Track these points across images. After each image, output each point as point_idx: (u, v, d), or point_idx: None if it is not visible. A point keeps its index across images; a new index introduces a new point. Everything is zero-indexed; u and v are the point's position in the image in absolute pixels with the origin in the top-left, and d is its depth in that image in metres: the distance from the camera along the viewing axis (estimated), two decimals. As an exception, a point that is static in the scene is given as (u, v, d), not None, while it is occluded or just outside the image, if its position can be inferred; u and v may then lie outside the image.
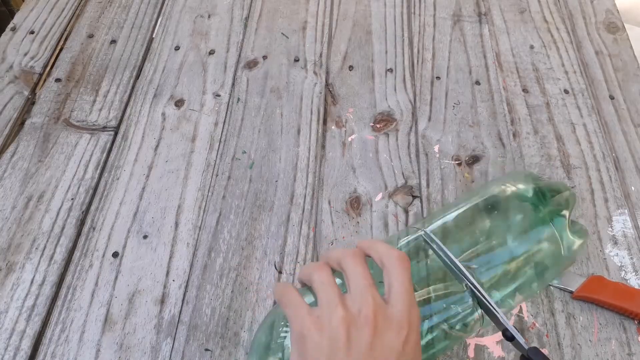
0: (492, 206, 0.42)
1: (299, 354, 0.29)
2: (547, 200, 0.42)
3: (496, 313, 0.34)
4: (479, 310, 0.36)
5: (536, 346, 0.34)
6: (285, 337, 0.34)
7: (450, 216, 0.42)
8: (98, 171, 0.51)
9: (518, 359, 0.41)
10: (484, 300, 0.35)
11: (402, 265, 0.31)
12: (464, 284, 0.36)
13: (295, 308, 0.31)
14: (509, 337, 0.34)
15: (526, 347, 0.33)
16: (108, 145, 0.53)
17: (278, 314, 0.36)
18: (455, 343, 0.40)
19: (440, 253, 0.37)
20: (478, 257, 0.39)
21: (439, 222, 0.41)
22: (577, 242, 0.42)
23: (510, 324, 0.34)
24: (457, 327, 0.37)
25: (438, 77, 0.61)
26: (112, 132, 0.55)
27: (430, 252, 0.38)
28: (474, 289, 0.35)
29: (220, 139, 0.54)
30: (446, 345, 0.38)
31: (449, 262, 0.37)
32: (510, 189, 0.43)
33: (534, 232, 0.41)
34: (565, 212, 0.42)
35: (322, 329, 0.29)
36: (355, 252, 0.33)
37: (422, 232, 0.39)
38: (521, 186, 0.44)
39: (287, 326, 0.34)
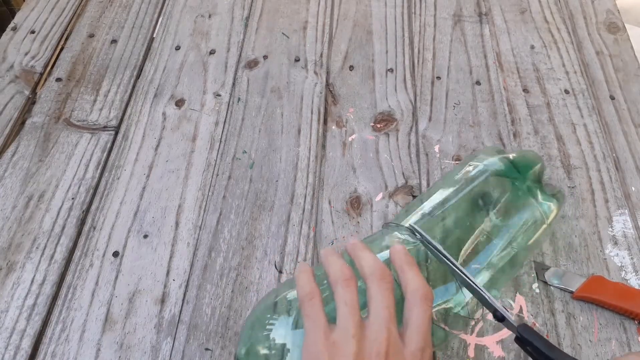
0: (472, 188, 0.42)
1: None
2: (522, 173, 0.42)
3: (482, 293, 0.34)
4: (469, 297, 0.36)
5: (525, 323, 0.34)
6: (271, 329, 0.34)
7: (431, 204, 0.41)
8: (98, 171, 0.51)
9: (518, 359, 0.41)
10: (472, 284, 0.35)
11: (426, 304, 0.31)
12: (451, 273, 0.36)
13: (314, 324, 0.30)
14: (499, 317, 0.34)
15: (516, 325, 0.33)
16: (108, 144, 0.54)
17: (267, 304, 0.36)
18: (449, 338, 0.40)
19: (425, 242, 0.37)
20: (465, 242, 0.39)
21: (421, 212, 0.41)
22: (554, 206, 0.42)
23: (498, 304, 0.34)
24: (450, 320, 0.37)
25: (438, 77, 0.61)
26: (113, 132, 0.55)
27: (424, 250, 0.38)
28: (462, 274, 0.35)
29: (221, 138, 0.54)
30: (440, 340, 0.38)
31: (435, 251, 0.37)
32: (484, 167, 0.43)
33: (516, 207, 0.41)
34: (539, 182, 0.43)
35: (333, 358, 0.29)
36: (384, 274, 0.32)
37: (408, 225, 0.39)
38: (495, 163, 0.43)
39: (274, 319, 0.34)
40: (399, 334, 0.31)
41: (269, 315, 0.35)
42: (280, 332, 0.33)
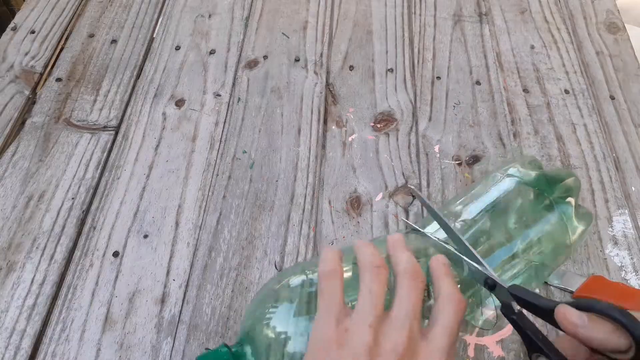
0: (501, 196, 0.42)
1: (312, 357, 0.27)
2: (552, 187, 0.42)
3: (475, 256, 0.34)
4: (466, 268, 0.36)
5: (515, 284, 0.34)
6: (271, 317, 0.33)
7: (462, 208, 0.42)
8: (98, 171, 0.51)
9: (518, 359, 0.41)
10: (465, 250, 0.35)
11: (457, 309, 0.29)
12: (445, 238, 0.36)
13: (328, 306, 0.28)
14: (490, 285, 0.34)
15: (506, 287, 0.33)
16: (108, 144, 0.54)
17: (269, 291, 0.35)
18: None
19: (425, 208, 0.37)
20: (487, 248, 0.39)
21: (454, 209, 0.41)
22: (581, 227, 0.42)
23: (490, 270, 0.34)
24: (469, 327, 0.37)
25: (438, 77, 0.61)
26: (113, 132, 0.55)
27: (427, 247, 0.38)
28: (454, 234, 0.35)
29: (221, 138, 0.54)
30: None
31: (435, 217, 0.37)
32: (515, 175, 0.43)
33: (541, 220, 0.41)
34: (571, 199, 0.42)
35: (343, 347, 0.26)
36: (418, 275, 0.30)
37: (411, 187, 0.39)
38: (527, 173, 0.43)
39: (274, 307, 0.33)
40: (423, 331, 0.29)
41: (269, 304, 0.34)
42: (281, 320, 0.32)
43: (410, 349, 0.27)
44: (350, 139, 0.55)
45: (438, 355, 0.27)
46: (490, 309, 0.38)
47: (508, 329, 0.42)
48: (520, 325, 0.33)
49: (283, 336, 0.32)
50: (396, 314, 0.28)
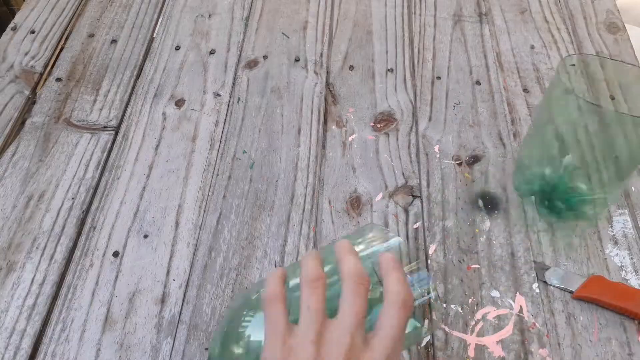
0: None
1: None
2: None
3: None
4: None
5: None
6: (246, 326, 0.33)
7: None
8: (98, 171, 0.51)
9: (518, 359, 0.41)
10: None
11: (402, 310, 0.30)
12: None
13: (274, 328, 0.30)
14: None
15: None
16: (108, 144, 0.54)
17: (245, 301, 0.35)
18: (423, 333, 0.38)
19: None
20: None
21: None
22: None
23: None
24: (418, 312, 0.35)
25: (438, 77, 0.61)
26: (113, 132, 0.55)
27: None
28: None
29: (221, 138, 0.54)
30: (416, 337, 0.36)
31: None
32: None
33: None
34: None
35: (289, 356, 0.28)
36: (361, 279, 0.31)
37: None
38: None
39: (249, 316, 0.34)
40: (367, 338, 0.30)
41: (244, 312, 0.34)
42: (257, 329, 0.33)
43: (352, 357, 0.28)
44: (350, 139, 0.55)
45: None
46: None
47: (508, 329, 0.42)
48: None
49: (257, 345, 0.32)
50: (339, 323, 0.29)
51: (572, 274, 0.45)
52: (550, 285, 0.45)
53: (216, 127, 0.55)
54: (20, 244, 0.46)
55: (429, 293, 0.34)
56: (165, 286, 0.44)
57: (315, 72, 0.61)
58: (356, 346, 0.29)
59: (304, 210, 0.49)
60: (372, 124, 0.56)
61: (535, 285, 0.45)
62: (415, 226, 0.48)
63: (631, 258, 0.47)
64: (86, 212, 0.48)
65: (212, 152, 0.53)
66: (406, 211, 0.49)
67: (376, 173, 0.52)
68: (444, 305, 0.43)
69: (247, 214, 0.49)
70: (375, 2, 0.69)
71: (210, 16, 0.67)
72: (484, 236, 0.48)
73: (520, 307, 0.44)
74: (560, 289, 0.45)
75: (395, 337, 0.29)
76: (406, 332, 0.33)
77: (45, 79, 0.59)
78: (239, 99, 0.58)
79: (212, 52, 0.63)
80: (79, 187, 0.50)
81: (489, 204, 0.50)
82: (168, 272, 0.45)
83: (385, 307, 0.30)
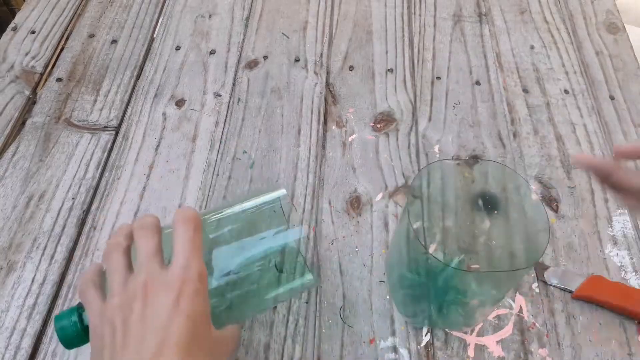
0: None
1: (92, 346, 0.31)
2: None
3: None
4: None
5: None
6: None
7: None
8: (99, 171, 0.51)
9: (518, 359, 0.41)
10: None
11: (185, 225, 0.31)
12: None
13: (90, 303, 0.31)
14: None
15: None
16: (109, 144, 0.54)
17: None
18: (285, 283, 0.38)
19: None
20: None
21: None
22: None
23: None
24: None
25: (438, 77, 0.61)
26: (113, 132, 0.55)
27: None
28: None
29: (221, 138, 0.54)
30: (272, 283, 0.36)
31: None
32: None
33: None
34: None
35: (102, 320, 0.30)
36: (146, 222, 0.32)
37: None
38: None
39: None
40: (164, 266, 0.31)
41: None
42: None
43: (152, 281, 0.30)
44: (350, 139, 0.55)
45: (181, 272, 0.30)
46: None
47: (508, 328, 0.42)
48: None
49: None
50: (138, 261, 0.31)
51: (571, 273, 0.45)
52: (550, 285, 0.45)
53: (216, 127, 0.55)
54: (20, 244, 0.46)
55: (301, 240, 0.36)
56: (165, 286, 0.44)
57: (315, 72, 0.61)
58: (153, 271, 0.30)
59: (304, 210, 0.49)
60: (372, 124, 0.56)
61: (535, 285, 0.45)
62: (415, 226, 0.48)
63: (631, 258, 0.47)
64: (86, 212, 0.49)
65: (212, 152, 0.53)
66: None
67: (376, 173, 0.52)
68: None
69: (247, 214, 0.49)
70: (375, 2, 0.69)
71: (210, 16, 0.67)
72: (484, 236, 0.48)
73: (520, 307, 0.44)
74: (560, 288, 0.45)
75: (188, 247, 0.30)
76: (297, 280, 0.36)
77: (46, 79, 0.59)
78: (239, 99, 0.58)
79: (212, 52, 0.63)
80: (80, 187, 0.50)
81: (489, 204, 0.50)
82: (168, 272, 0.45)
83: (173, 227, 0.32)
